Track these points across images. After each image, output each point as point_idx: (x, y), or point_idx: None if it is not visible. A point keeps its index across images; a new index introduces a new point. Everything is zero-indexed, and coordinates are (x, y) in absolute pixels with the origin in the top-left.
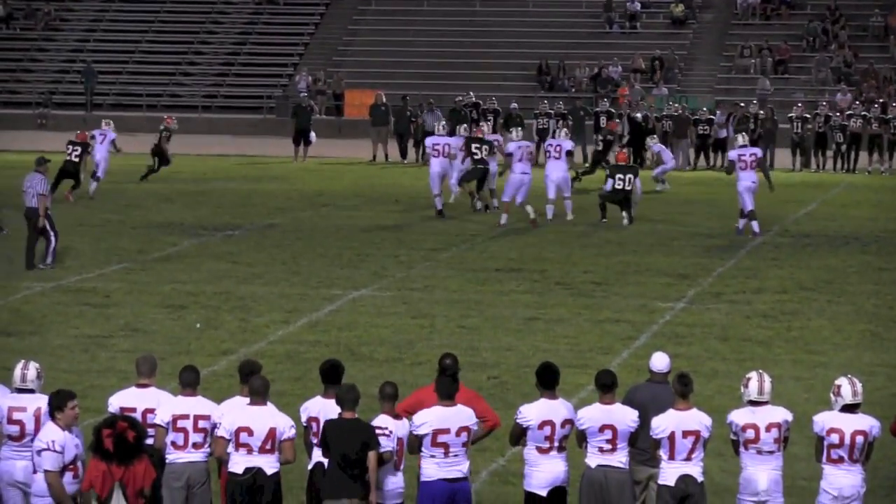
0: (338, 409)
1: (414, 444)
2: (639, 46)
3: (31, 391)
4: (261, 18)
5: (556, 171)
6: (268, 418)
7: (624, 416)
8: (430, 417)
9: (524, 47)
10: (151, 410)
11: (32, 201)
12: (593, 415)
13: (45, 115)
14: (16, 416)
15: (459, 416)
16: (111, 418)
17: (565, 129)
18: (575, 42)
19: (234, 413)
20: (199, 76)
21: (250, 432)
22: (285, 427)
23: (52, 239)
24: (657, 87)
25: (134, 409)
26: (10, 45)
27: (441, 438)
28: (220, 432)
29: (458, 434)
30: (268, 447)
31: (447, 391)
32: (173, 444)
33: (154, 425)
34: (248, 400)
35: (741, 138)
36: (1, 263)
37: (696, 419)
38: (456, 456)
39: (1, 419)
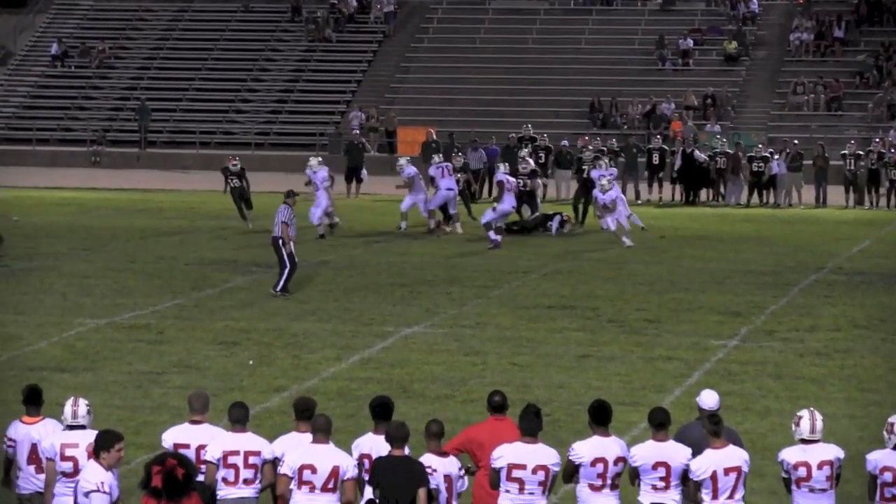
0: (389, 446)
1: (493, 478)
2: (691, 83)
3: (83, 427)
4: (313, 56)
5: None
6: (331, 456)
7: (677, 454)
8: (508, 451)
9: (576, 84)
10: (205, 447)
11: (276, 230)
12: (647, 452)
13: (99, 152)
14: (68, 452)
15: (538, 454)
16: (161, 455)
17: (606, 160)
18: (627, 79)
19: (298, 450)
20: (252, 113)
21: (314, 470)
22: (348, 466)
23: (286, 269)
24: (709, 124)
25: (187, 446)
26: (65, 83)
27: (516, 473)
28: (283, 469)
29: (534, 472)
30: (330, 486)
31: (529, 428)
32: (224, 480)
33: (205, 461)
34: (303, 437)
35: (502, 167)
36: (54, 299)
37: (736, 455)
38: (532, 494)
39: (54, 456)
